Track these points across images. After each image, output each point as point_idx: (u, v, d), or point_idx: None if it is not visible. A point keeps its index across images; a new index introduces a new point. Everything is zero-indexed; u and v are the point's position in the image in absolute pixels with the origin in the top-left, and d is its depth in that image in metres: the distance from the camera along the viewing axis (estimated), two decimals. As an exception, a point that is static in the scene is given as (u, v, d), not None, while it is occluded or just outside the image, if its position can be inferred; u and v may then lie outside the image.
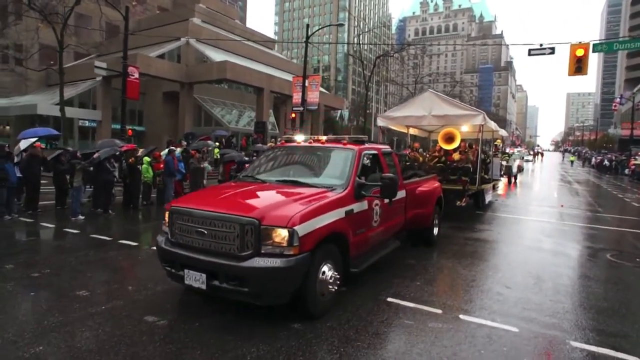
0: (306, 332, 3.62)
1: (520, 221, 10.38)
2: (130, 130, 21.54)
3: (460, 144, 11.01)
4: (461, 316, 4.09)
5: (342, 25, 28.75)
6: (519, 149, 54.96)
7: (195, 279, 3.71)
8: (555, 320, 4.09)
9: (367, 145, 5.31)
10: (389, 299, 4.50)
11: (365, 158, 5.14)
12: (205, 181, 12.50)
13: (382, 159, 5.52)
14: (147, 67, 27.76)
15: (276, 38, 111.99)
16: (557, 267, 6.07)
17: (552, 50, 13.24)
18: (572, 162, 55.93)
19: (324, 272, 3.89)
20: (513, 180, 22.13)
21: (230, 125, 34.45)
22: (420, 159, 11.24)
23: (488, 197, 11.92)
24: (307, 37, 20.54)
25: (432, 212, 6.67)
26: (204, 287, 3.66)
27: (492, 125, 11.14)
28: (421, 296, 4.64)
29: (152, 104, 35.90)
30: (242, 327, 3.70)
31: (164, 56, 32.97)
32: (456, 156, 10.91)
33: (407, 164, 11.03)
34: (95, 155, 9.46)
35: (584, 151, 70.35)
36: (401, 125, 12.08)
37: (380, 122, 11.29)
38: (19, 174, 9.46)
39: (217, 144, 23.12)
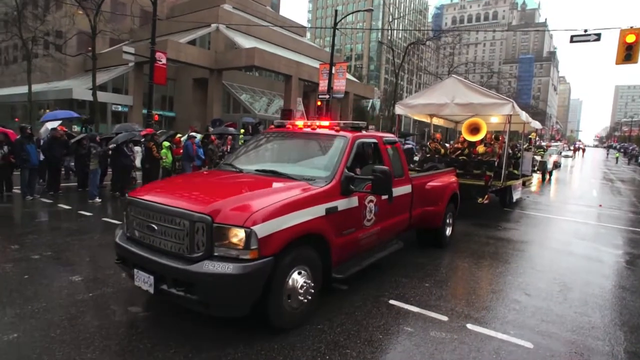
0: (289, 334, 3.32)
1: (551, 221, 9.64)
2: (156, 116, 21.79)
3: (486, 136, 10.18)
4: (469, 325, 3.68)
5: (371, 10, 27.77)
6: (557, 143, 51.94)
7: (144, 281, 3.25)
8: (578, 337, 3.60)
9: (364, 133, 4.64)
10: (392, 301, 4.13)
11: (360, 147, 4.56)
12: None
13: (383, 149, 4.85)
14: (177, 53, 28.08)
15: (309, 26, 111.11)
16: (588, 274, 5.48)
17: (598, 37, 12.09)
18: (617, 159, 52.59)
19: (294, 280, 3.34)
20: (547, 176, 20.90)
21: (259, 113, 34.46)
22: (442, 150, 10.52)
23: (516, 195, 11.01)
24: (335, 23, 19.98)
25: (444, 210, 6.04)
26: (152, 290, 3.19)
27: (523, 116, 10.17)
28: (427, 300, 4.23)
29: (183, 90, 36.45)
30: (226, 325, 3.44)
31: (195, 42, 33.27)
32: (481, 149, 10.09)
33: (428, 155, 10.46)
34: (111, 141, 9.49)
35: (631, 148, 65.99)
36: (422, 114, 11.27)
37: (399, 110, 10.48)
38: (42, 157, 9.66)
39: (243, 130, 23.15)
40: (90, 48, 34.37)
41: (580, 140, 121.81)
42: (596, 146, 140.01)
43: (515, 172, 11.23)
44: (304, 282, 3.40)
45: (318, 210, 3.54)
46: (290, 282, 3.30)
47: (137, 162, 11.11)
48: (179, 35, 31.69)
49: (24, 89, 28.80)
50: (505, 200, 10.42)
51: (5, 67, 38.49)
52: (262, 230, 3.01)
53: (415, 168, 10.01)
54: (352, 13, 21.41)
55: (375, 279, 4.73)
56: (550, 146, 32.95)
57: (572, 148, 67.24)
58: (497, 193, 9.99)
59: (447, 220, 6.34)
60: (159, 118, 36.76)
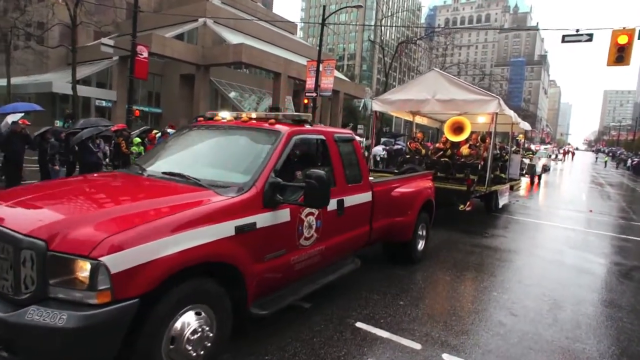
0: (229, 371, 2.76)
1: (540, 227, 9.21)
2: (137, 111, 21.07)
3: (471, 136, 9.47)
4: (445, 356, 3.15)
5: (360, 6, 26.78)
6: (546, 146, 51.83)
7: None
8: (571, 371, 3.11)
9: (307, 128, 3.73)
10: (359, 324, 3.59)
11: (301, 146, 3.86)
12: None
13: (332, 148, 3.90)
14: (162, 48, 27.30)
15: (302, 24, 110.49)
16: (580, 289, 5.01)
17: (590, 37, 11.73)
18: (605, 162, 52.86)
19: (183, 326, 2.40)
20: (536, 180, 20.59)
21: (247, 111, 33.81)
22: (423, 151, 9.75)
23: (503, 200, 10.18)
24: (324, 19, 19.44)
25: (415, 220, 5.15)
26: None
27: (512, 115, 9.39)
28: (400, 322, 3.71)
29: (170, 86, 35.64)
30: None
31: (183, 38, 32.49)
32: (465, 150, 9.35)
33: (407, 156, 9.79)
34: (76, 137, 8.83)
35: (619, 152, 66.52)
36: (402, 111, 10.39)
37: (377, 107, 9.45)
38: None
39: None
40: (74, 41, 33.52)
41: (569, 144, 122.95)
42: (585, 149, 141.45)
43: (502, 175, 10.58)
44: (200, 326, 2.48)
45: (223, 230, 2.61)
46: (175, 330, 2.37)
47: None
48: (167, 30, 30.87)
49: (2, 82, 27.80)
50: (490, 206, 9.77)
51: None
52: (118, 261, 2.08)
53: (393, 170, 9.38)
54: (342, 9, 20.97)
55: (343, 295, 4.19)
56: (539, 149, 32.77)
57: (561, 151, 67.57)
58: (482, 198, 9.30)
59: (420, 232, 5.52)
60: (145, 114, 36.00)
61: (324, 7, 19.47)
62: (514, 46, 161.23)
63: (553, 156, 43.18)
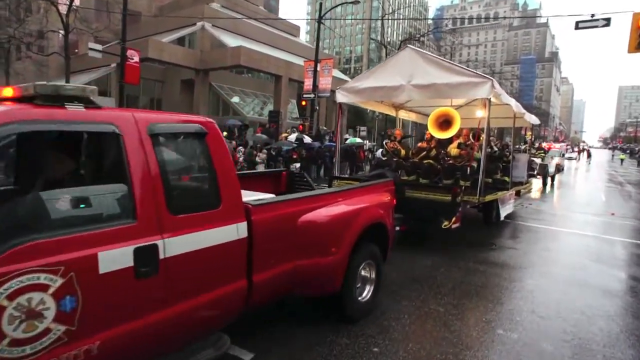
0: None
1: (555, 235, 8.12)
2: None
3: (461, 132, 7.74)
4: None
5: (357, 2, 25.46)
6: (559, 144, 49.53)
7: None
8: None
9: (70, 110, 2.00)
10: (312, 388, 2.64)
11: (30, 142, 2.26)
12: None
13: (136, 150, 2.19)
14: (160, 53, 26.77)
15: (308, 28, 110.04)
16: (612, 323, 3.96)
17: (607, 22, 10.61)
18: (622, 160, 50.88)
19: None
20: (550, 181, 19.33)
21: (249, 115, 33.14)
22: (402, 152, 8.00)
23: (506, 209, 8.49)
24: (320, 16, 18.60)
25: (345, 260, 3.32)
26: None
27: (512, 104, 7.57)
28: (369, 383, 2.75)
29: (171, 92, 35.16)
30: None
31: (184, 42, 32.01)
32: (453, 150, 7.57)
33: (384, 159, 8.17)
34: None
35: (637, 149, 64.16)
36: (373, 102, 8.40)
37: (342, 97, 7.53)
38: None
39: (225, 133, 21.79)
40: (76, 50, 33.27)
41: (584, 142, 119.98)
42: (601, 147, 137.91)
43: (506, 179, 8.85)
44: None
45: None
46: None
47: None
48: (166, 35, 30.42)
49: (1, 92, 27.54)
50: (490, 217, 8.17)
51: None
52: None
53: (362, 177, 7.80)
54: (339, 5, 20.20)
55: (298, 336, 3.25)
56: (550, 148, 31.30)
57: (576, 150, 65.46)
58: (478, 208, 7.80)
59: (364, 274, 3.76)
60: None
61: (320, 4, 18.62)
62: (524, 44, 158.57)
63: (567, 155, 41.54)
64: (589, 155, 53.07)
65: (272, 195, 3.45)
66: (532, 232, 8.22)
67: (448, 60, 7.22)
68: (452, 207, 5.99)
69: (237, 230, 2.60)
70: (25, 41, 26.55)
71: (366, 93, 7.35)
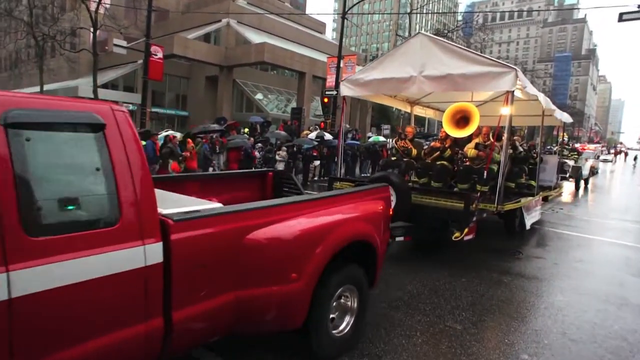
0: None
1: (590, 244, 7.51)
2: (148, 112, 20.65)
3: (481, 130, 6.87)
4: None
5: None
6: (593, 145, 46.91)
7: None
8: None
9: None
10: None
11: None
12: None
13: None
14: (184, 49, 27.07)
15: (335, 25, 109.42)
16: (654, 348, 3.49)
17: (654, 13, 9.81)
18: (662, 163, 48.03)
19: None
20: (583, 184, 18.28)
21: (272, 112, 33.10)
22: (414, 152, 7.13)
23: (532, 217, 7.63)
24: (345, 12, 18.20)
25: (305, 289, 2.60)
26: None
27: (540, 97, 6.61)
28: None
29: (196, 88, 35.60)
30: None
31: (209, 38, 32.27)
32: (471, 151, 6.70)
33: (394, 158, 7.36)
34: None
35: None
36: (382, 95, 7.67)
37: (346, 90, 6.87)
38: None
39: (247, 130, 21.71)
40: (106, 47, 34.09)
41: (621, 143, 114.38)
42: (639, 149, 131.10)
43: (532, 183, 8.04)
44: None
45: None
46: None
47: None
48: (191, 32, 30.75)
49: (37, 89, 28.55)
50: (512, 225, 7.38)
51: (21, 67, 38.91)
52: None
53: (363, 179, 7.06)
54: (365, 0, 19.71)
55: None
56: (584, 149, 29.75)
57: (612, 151, 62.39)
58: (499, 215, 6.72)
59: (340, 303, 3.05)
60: (172, 117, 36.15)
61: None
62: (559, 40, 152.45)
63: (602, 157, 39.44)
64: (626, 155, 50.17)
65: (218, 205, 2.59)
66: (562, 240, 7.63)
67: (466, 48, 6.26)
68: (465, 216, 5.21)
69: (144, 255, 1.96)
70: (58, 39, 27.38)
71: (373, 85, 6.56)
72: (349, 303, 3.13)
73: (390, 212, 3.65)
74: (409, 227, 5.20)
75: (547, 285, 5.01)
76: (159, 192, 2.31)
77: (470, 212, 5.22)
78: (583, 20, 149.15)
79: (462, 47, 6.06)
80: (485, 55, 5.97)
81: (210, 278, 2.27)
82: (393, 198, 5.20)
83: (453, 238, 5.15)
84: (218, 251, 2.30)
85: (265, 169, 4.82)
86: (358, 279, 3.14)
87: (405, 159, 7.10)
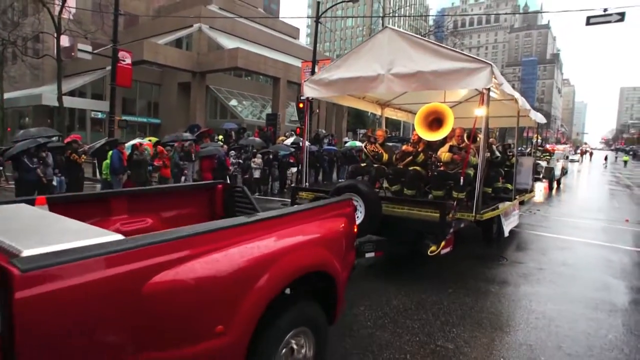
0: None
1: (570, 246, 7.48)
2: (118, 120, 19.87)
3: (454, 133, 6.35)
4: None
5: (357, 0, 24.33)
6: (562, 146, 48.40)
7: None
8: None
9: None
10: None
11: None
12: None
13: None
14: (155, 55, 26.28)
15: (309, 31, 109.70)
16: (651, 359, 3.34)
17: (621, 17, 10.00)
18: (625, 162, 50.17)
19: None
20: (556, 185, 18.70)
21: (247, 118, 32.60)
22: (385, 157, 6.59)
23: (510, 223, 7.20)
24: (318, 16, 18.04)
25: (237, 345, 1.95)
26: None
27: (517, 97, 6.33)
28: None
29: (168, 95, 34.70)
30: None
31: (181, 44, 31.50)
32: (444, 154, 6.21)
33: (363, 165, 6.78)
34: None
35: (641, 150, 63.39)
36: (348, 96, 7.12)
37: (309, 92, 6.29)
38: None
39: (221, 137, 21.17)
40: (72, 53, 32.81)
41: (586, 143, 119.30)
42: (602, 149, 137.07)
43: (508, 186, 7.74)
44: None
45: None
46: None
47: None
48: (163, 37, 29.94)
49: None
50: (490, 233, 6.90)
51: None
52: None
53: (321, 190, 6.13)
54: (338, 4, 19.56)
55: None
56: (555, 150, 30.68)
57: (578, 152, 64.75)
58: (477, 223, 5.99)
59: (290, 349, 2.35)
60: (144, 125, 35.05)
61: (318, 2, 18.11)
62: (525, 46, 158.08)
63: (570, 157, 40.79)
64: (591, 155, 52.15)
65: (117, 237, 1.79)
66: (543, 242, 7.59)
67: (438, 43, 5.76)
68: (442, 228, 4.68)
69: None
70: (19, 44, 26.11)
71: (338, 85, 5.99)
72: (303, 350, 2.42)
73: (355, 230, 3.12)
74: (379, 241, 4.74)
75: (536, 292, 4.85)
76: (50, 218, 1.86)
77: (447, 223, 4.74)
78: (547, 27, 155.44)
79: (433, 42, 5.56)
80: (458, 50, 5.52)
81: (86, 352, 1.51)
82: (361, 209, 4.82)
83: (429, 253, 4.61)
84: (101, 309, 1.53)
85: (217, 181, 4.15)
86: (313, 318, 2.48)
87: (375, 165, 6.58)
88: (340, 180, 16.07)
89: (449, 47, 5.55)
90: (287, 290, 2.34)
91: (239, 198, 3.90)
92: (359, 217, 4.76)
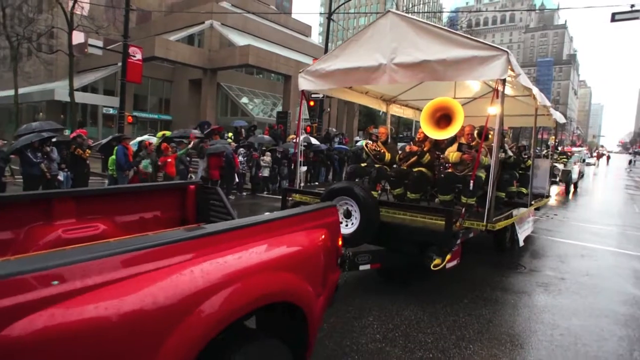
0: None
1: (590, 253, 7.08)
2: (130, 117, 19.86)
3: (463, 131, 5.55)
4: None
5: None
6: (579, 149, 47.18)
7: None
8: None
9: None
10: None
11: None
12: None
13: None
14: (166, 51, 26.27)
15: (321, 29, 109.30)
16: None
17: (648, 13, 9.55)
18: (645, 166, 48.89)
19: None
20: (573, 188, 18.10)
21: (258, 116, 32.46)
22: (388, 156, 6.01)
23: (525, 231, 6.53)
24: (331, 13, 17.74)
25: None
26: None
27: (535, 92, 5.49)
28: None
29: (179, 92, 34.74)
30: None
31: (192, 41, 31.49)
32: (453, 154, 5.38)
33: (364, 165, 6.31)
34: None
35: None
36: (354, 92, 6.65)
37: (305, 84, 5.66)
38: None
39: (231, 134, 21.02)
40: (86, 49, 33.06)
41: (602, 146, 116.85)
42: (620, 152, 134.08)
43: (523, 191, 7.09)
44: None
45: None
46: None
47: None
48: (175, 34, 29.96)
49: (12, 92, 27.41)
50: (503, 241, 6.40)
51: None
52: None
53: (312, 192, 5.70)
54: (349, 1, 19.13)
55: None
56: (572, 152, 29.91)
57: (594, 155, 63.27)
58: (488, 230, 4.94)
59: None
60: (155, 121, 35.17)
61: (331, 0, 17.79)
62: (540, 46, 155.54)
63: (586, 160, 39.80)
64: (608, 159, 50.58)
65: None
66: (562, 249, 7.20)
67: (446, 28, 5.06)
68: (447, 238, 4.05)
69: None
70: (33, 40, 26.31)
71: (336, 77, 5.35)
72: None
73: (339, 243, 2.57)
74: (376, 252, 4.29)
75: (558, 306, 4.51)
76: None
77: (454, 233, 4.09)
78: (563, 26, 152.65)
79: (442, 27, 4.90)
80: (469, 36, 4.71)
81: None
82: (356, 215, 4.33)
83: (432, 267, 3.97)
84: None
85: (188, 181, 3.74)
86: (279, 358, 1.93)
87: (377, 165, 6.05)
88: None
89: (458, 33, 4.87)
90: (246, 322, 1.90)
91: (214, 201, 3.41)
92: (354, 223, 4.33)
